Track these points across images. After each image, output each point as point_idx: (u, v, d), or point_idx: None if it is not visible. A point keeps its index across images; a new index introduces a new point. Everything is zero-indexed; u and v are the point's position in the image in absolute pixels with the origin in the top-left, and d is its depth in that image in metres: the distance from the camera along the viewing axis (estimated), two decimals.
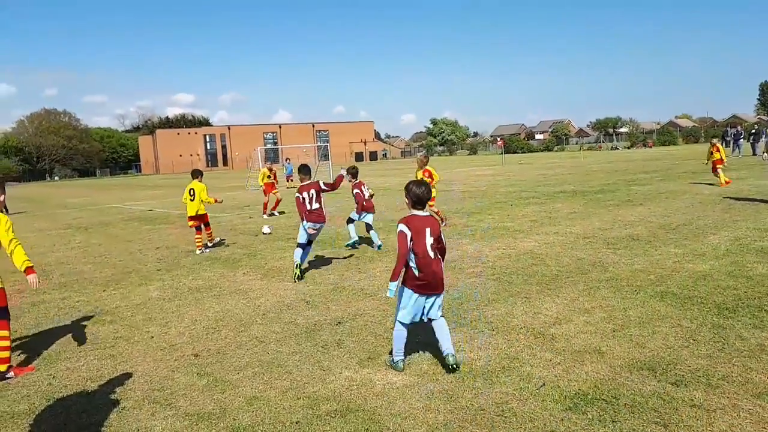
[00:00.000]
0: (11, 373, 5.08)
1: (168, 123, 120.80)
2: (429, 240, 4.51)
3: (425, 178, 11.17)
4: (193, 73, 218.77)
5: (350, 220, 10.54)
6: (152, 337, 5.98)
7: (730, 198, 13.77)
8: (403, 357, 4.69)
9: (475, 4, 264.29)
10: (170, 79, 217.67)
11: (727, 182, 16.84)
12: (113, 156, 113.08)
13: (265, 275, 8.58)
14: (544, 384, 4.19)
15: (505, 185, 22.54)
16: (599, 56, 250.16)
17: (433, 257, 4.52)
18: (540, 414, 3.75)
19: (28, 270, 5.11)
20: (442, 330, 4.63)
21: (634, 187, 18.25)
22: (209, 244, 11.51)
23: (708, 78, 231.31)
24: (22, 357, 5.61)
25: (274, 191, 17.62)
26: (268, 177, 17.90)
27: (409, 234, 4.47)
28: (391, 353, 4.79)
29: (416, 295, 4.54)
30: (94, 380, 4.90)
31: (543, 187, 20.69)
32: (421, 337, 5.37)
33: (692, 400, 3.78)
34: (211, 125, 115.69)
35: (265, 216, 16.64)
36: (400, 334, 4.66)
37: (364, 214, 10.26)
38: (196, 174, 11.43)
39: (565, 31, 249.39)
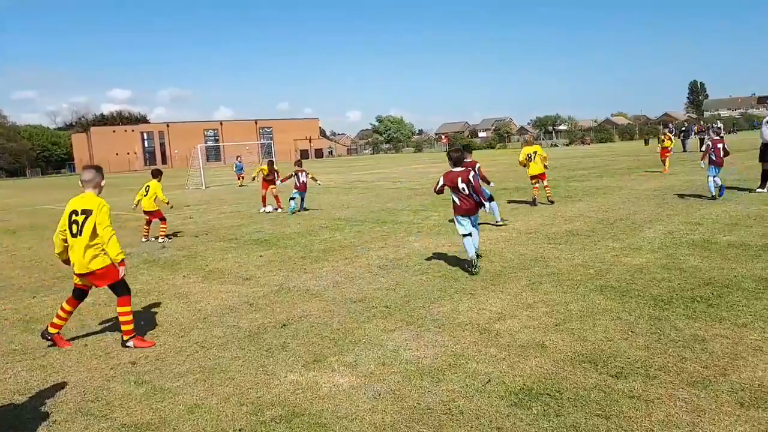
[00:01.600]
0: (131, 343, 5.47)
1: (103, 120, 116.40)
2: (461, 185, 7.40)
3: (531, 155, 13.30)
4: (130, 68, 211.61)
5: (292, 198, 15.58)
6: (86, 345, 5.70)
7: (663, 193, 14.35)
8: (472, 254, 7.48)
9: (419, 3, 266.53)
10: (105, 74, 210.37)
11: (665, 171, 18.44)
12: (44, 155, 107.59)
13: (206, 277, 8.34)
14: (489, 380, 4.22)
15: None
16: (538, 56, 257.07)
17: (466, 194, 7.42)
18: (486, 411, 3.76)
19: (122, 262, 5.46)
20: (475, 236, 7.71)
21: (573, 183, 18.78)
22: (161, 240, 12.04)
23: (641, 77, 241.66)
24: None
25: (272, 187, 16.71)
26: (267, 174, 16.80)
27: (441, 182, 7.56)
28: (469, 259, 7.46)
29: (461, 216, 7.53)
30: (22, 393, 4.61)
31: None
32: (367, 337, 5.32)
33: (631, 391, 3.89)
34: (149, 122, 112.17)
35: (263, 210, 16.43)
36: (467, 241, 7.53)
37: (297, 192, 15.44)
38: (156, 174, 12.67)
39: (506, 32, 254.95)
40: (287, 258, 9.35)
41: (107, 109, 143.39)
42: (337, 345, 5.19)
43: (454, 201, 7.64)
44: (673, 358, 4.39)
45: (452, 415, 3.74)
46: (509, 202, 14.74)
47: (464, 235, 7.60)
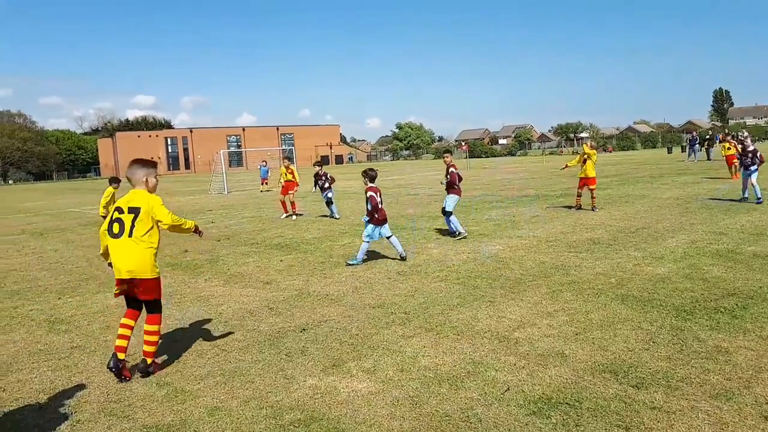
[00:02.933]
0: (152, 368, 4.95)
1: (128, 125, 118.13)
2: (379, 198, 8.99)
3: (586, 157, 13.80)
4: (154, 75, 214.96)
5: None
6: (110, 346, 5.79)
7: (687, 202, 14.16)
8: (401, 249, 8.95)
9: (439, 11, 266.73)
10: (130, 81, 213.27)
11: (734, 177, 18.84)
12: (71, 159, 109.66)
13: (228, 281, 8.43)
14: (508, 388, 4.20)
15: (470, 189, 22.72)
16: (561, 63, 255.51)
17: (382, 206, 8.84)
18: (505, 419, 3.75)
19: (197, 228, 5.28)
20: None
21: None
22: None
23: (665, 85, 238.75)
24: None
25: (292, 190, 16.23)
26: (286, 176, 16.44)
27: (379, 199, 8.88)
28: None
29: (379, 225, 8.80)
30: (47, 392, 4.71)
31: (506, 191, 20.93)
32: (385, 343, 5.34)
33: (653, 402, 3.84)
34: (173, 128, 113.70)
35: (283, 217, 16.14)
36: (393, 240, 9.03)
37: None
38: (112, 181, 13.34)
39: (528, 38, 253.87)
40: (307, 263, 9.41)
41: (132, 114, 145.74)
42: (355, 350, 5.21)
43: (371, 211, 8.93)
44: (696, 369, 4.33)
45: (470, 423, 3.74)
46: (546, 208, 14.66)
47: (387, 237, 9.05)
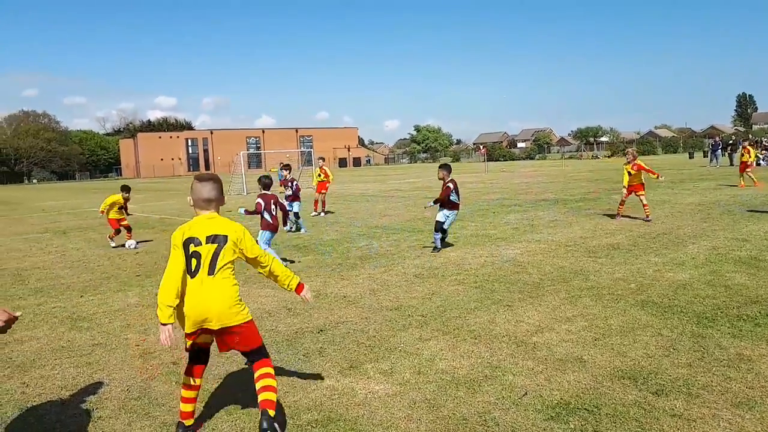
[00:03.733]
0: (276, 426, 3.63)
1: (150, 126, 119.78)
2: (272, 206, 9.45)
3: (632, 171, 12.64)
4: (175, 76, 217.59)
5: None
6: (130, 344, 5.88)
7: (709, 207, 13.97)
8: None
9: (456, 13, 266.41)
10: (152, 82, 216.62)
11: (756, 183, 18.34)
12: (93, 159, 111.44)
13: (246, 282, 8.49)
14: (526, 393, 4.18)
15: (488, 193, 22.65)
16: (580, 66, 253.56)
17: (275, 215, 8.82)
18: (522, 423, 3.73)
19: (300, 286, 4.12)
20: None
21: (614, 196, 18.41)
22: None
23: (687, 89, 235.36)
24: None
25: (325, 190, 17.73)
26: (319, 176, 17.80)
27: (262, 203, 8.52)
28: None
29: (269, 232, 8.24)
30: (69, 389, 4.79)
31: (525, 195, 20.82)
32: (402, 345, 5.34)
33: (673, 409, 3.80)
34: (194, 129, 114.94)
35: (313, 214, 17.15)
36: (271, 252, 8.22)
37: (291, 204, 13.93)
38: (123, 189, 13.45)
39: (547, 41, 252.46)
40: (325, 264, 9.45)
41: (154, 115, 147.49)
42: (373, 352, 5.22)
43: (265, 219, 9.32)
44: (717, 377, 4.27)
45: (488, 427, 3.72)
46: (567, 210, 14.57)
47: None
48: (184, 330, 3.69)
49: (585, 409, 3.88)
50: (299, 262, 9.78)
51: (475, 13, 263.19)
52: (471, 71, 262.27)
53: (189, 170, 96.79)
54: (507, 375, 4.53)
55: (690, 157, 50.83)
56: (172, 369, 5.08)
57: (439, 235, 10.15)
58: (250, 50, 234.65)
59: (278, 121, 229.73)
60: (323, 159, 18.87)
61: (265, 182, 9.69)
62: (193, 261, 3.64)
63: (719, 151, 34.93)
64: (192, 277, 3.64)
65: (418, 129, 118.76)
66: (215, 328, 3.67)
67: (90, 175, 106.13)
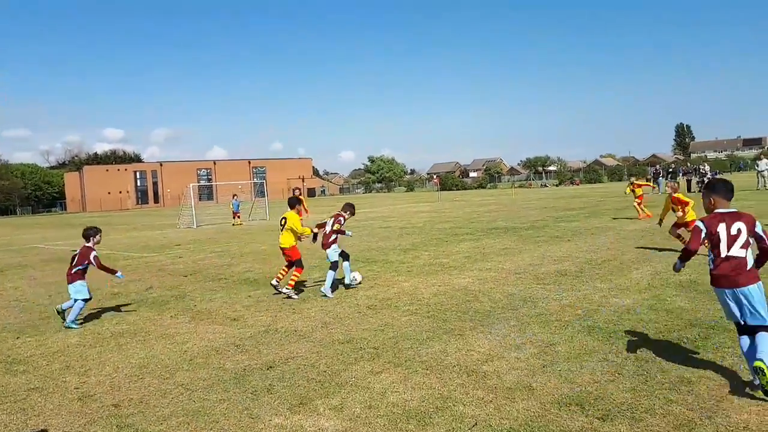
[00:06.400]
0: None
1: (96, 159, 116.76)
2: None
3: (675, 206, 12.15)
4: (123, 108, 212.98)
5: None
6: (69, 387, 5.61)
7: (651, 233, 14.47)
8: None
9: (410, 44, 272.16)
10: (99, 114, 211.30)
11: (640, 216, 18.49)
12: (36, 193, 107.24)
13: (194, 318, 8.28)
14: (476, 423, 4.19)
15: (441, 222, 22.88)
16: (529, 97, 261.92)
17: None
18: None
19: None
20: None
21: (561, 223, 18.91)
22: (284, 290, 9.31)
23: (630, 120, 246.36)
24: None
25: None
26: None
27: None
28: None
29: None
30: None
31: (476, 223, 21.14)
32: (354, 379, 5.28)
33: None
34: (143, 161, 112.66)
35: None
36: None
37: None
38: (292, 203, 10.11)
39: (497, 72, 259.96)
40: (276, 298, 9.30)
41: (101, 148, 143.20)
42: (323, 387, 5.14)
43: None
44: (660, 400, 4.38)
45: None
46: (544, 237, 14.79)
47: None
48: None
49: None
50: (249, 296, 9.61)
51: (428, 45, 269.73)
52: (425, 103, 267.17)
53: (138, 203, 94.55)
54: (457, 405, 4.53)
55: None
56: (112, 412, 4.87)
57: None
58: (201, 81, 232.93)
59: (230, 152, 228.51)
60: (299, 189, 19.14)
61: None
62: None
63: (660, 178, 36.43)
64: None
65: (372, 160, 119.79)
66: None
67: (32, 210, 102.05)
